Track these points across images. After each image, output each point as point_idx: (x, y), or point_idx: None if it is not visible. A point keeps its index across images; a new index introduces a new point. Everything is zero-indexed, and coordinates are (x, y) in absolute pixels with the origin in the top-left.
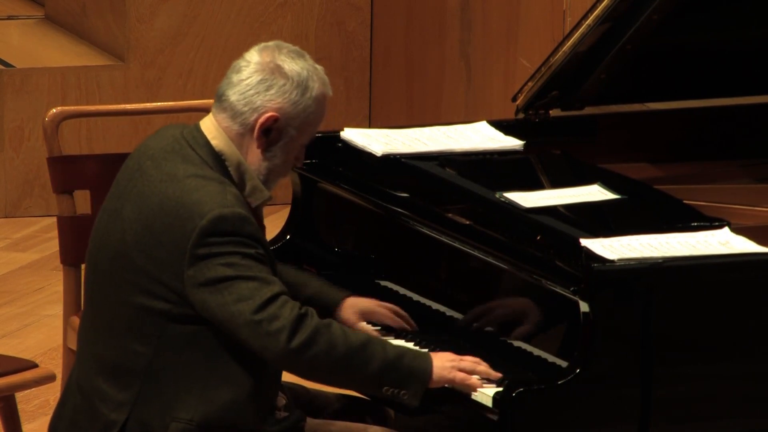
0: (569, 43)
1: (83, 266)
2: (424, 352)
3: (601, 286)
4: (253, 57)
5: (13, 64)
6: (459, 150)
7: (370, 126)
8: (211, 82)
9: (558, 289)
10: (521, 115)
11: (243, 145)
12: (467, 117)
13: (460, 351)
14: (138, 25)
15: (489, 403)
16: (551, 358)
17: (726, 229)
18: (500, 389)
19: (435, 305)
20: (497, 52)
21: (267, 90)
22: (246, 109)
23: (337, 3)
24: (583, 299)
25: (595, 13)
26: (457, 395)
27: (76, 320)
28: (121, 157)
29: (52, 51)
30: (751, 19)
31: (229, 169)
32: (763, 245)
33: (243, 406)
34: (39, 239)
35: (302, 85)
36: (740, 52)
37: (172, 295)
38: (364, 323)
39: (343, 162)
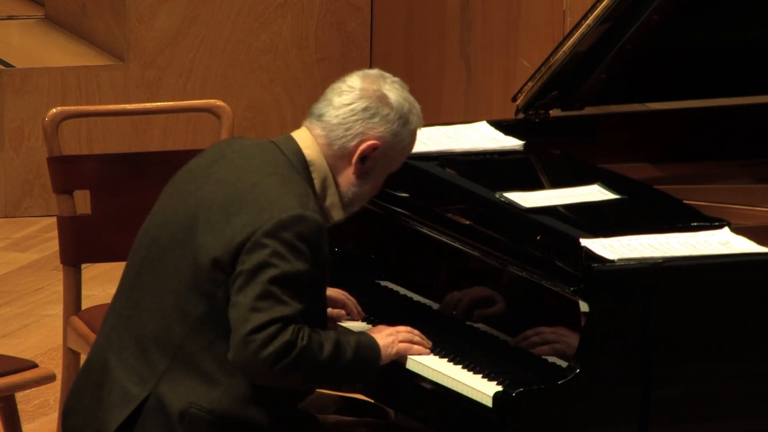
0: (569, 43)
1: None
2: (371, 340)
3: (601, 286)
4: (356, 83)
5: (13, 64)
6: (459, 150)
7: None
8: (211, 82)
9: (558, 289)
10: (521, 115)
11: (337, 166)
12: (467, 117)
13: (458, 348)
14: (138, 25)
15: (489, 403)
16: (551, 358)
17: (726, 229)
18: (500, 389)
19: (435, 305)
20: (497, 52)
21: (371, 118)
22: (348, 133)
23: (337, 3)
24: (583, 299)
25: (595, 13)
26: (455, 393)
27: (76, 320)
28: (121, 157)
29: (52, 51)
30: (751, 19)
31: (314, 179)
32: (763, 245)
33: (261, 399)
34: (39, 239)
35: (404, 117)
36: (740, 52)
37: (222, 277)
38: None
39: None
